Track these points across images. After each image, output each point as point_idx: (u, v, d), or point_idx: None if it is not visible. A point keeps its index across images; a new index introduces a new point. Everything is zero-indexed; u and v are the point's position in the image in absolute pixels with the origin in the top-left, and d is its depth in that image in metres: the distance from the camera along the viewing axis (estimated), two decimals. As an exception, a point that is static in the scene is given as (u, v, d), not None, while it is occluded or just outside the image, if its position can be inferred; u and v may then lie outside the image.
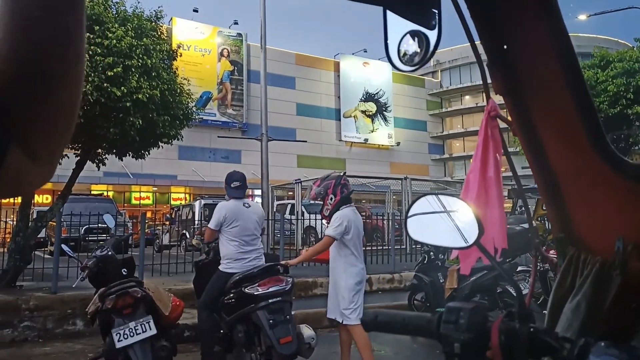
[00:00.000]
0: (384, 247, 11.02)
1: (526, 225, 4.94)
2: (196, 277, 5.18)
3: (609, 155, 0.78)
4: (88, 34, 7.36)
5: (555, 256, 0.95)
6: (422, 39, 0.76)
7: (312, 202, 4.57)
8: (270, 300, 3.98)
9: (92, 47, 7.28)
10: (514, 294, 5.38)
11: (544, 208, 1.03)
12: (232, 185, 4.56)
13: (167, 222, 18.46)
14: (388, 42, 0.79)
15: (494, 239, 1.07)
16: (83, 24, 0.53)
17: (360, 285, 4.38)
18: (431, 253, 6.75)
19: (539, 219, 8.28)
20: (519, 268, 6.48)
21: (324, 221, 4.75)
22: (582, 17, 21.17)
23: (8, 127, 0.50)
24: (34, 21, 0.49)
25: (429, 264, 6.72)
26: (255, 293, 4.01)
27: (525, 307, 0.74)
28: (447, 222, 0.83)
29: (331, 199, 4.37)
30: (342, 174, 4.80)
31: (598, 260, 0.81)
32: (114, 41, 7.40)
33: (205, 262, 5.02)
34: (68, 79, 0.53)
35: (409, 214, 0.88)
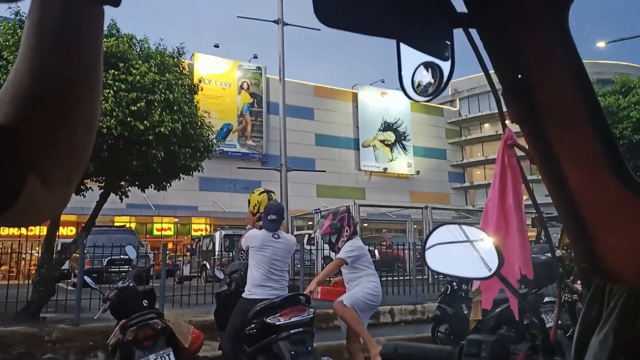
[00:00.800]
0: (406, 278, 10.84)
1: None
2: (217, 308, 5.16)
3: (631, 182, 0.77)
4: (113, 70, 7.62)
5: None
6: (435, 70, 0.77)
7: (322, 235, 4.89)
8: (292, 331, 3.94)
9: (116, 83, 7.52)
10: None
11: (568, 237, 1.01)
12: (268, 218, 4.60)
13: (188, 253, 18.53)
14: (402, 73, 0.80)
15: (516, 268, 1.05)
16: (100, 63, 0.56)
17: (376, 300, 4.68)
18: (454, 283, 6.60)
19: (565, 248, 8.07)
20: (546, 299, 6.28)
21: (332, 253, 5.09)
22: (601, 44, 21.11)
23: (26, 157, 0.52)
24: (53, 59, 0.52)
25: (452, 294, 6.57)
26: (277, 323, 3.98)
27: (550, 339, 0.72)
28: (466, 252, 0.82)
29: (347, 231, 4.62)
30: (348, 206, 5.20)
31: (625, 290, 0.79)
32: (138, 77, 7.64)
33: (226, 294, 5.01)
34: (83, 111, 0.56)
35: (427, 244, 0.87)
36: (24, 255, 11.18)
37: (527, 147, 0.91)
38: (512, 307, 1.08)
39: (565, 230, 0.92)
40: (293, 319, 3.99)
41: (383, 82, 40.21)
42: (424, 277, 10.99)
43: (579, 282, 1.14)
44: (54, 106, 0.54)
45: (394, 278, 10.43)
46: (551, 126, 0.82)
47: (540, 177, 0.88)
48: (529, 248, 1.06)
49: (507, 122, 0.94)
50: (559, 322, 4.76)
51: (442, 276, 9.23)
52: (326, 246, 12.29)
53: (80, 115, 0.56)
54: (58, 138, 0.55)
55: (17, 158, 0.52)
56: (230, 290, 4.97)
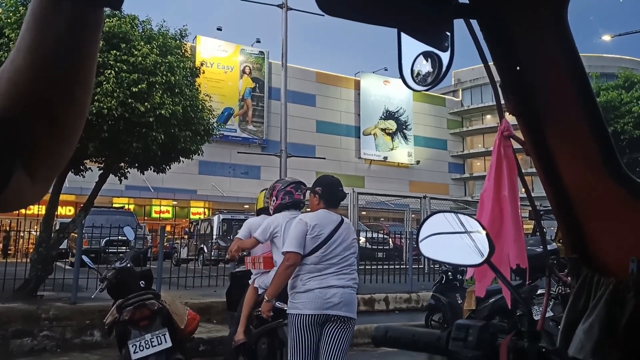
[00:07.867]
0: (402, 266, 10.91)
1: (548, 247, 4.84)
2: (231, 287, 5.14)
3: (622, 177, 0.78)
4: (115, 51, 7.57)
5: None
6: (435, 60, 0.77)
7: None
8: None
9: (118, 64, 7.47)
10: (534, 317, 5.25)
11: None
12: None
13: (186, 236, 18.61)
14: (402, 62, 0.81)
15: (510, 258, 1.07)
16: (95, 62, 0.58)
17: None
18: (449, 273, 6.66)
19: (560, 240, 8.12)
20: (539, 291, 6.34)
21: None
22: (606, 37, 20.99)
23: (15, 149, 0.54)
24: (53, 55, 0.53)
25: (446, 284, 6.63)
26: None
27: (535, 326, 0.74)
28: (459, 240, 0.84)
29: (273, 201, 4.33)
30: (298, 181, 4.43)
31: (612, 281, 0.81)
32: (140, 58, 7.59)
33: (242, 273, 4.97)
34: (75, 108, 0.58)
35: (421, 235, 0.88)
36: (22, 234, 11.23)
37: (523, 139, 0.93)
38: (505, 296, 1.09)
39: (556, 221, 0.94)
40: None
41: (386, 70, 40.01)
42: (419, 266, 11.06)
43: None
44: (48, 101, 0.55)
45: (390, 266, 10.48)
46: (546, 119, 0.84)
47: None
48: (524, 238, 1.08)
49: (505, 113, 0.95)
50: (553, 314, 4.81)
51: (437, 266, 9.30)
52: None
53: (71, 111, 0.58)
54: (48, 132, 0.57)
55: (8, 148, 0.53)
56: (245, 270, 4.96)
